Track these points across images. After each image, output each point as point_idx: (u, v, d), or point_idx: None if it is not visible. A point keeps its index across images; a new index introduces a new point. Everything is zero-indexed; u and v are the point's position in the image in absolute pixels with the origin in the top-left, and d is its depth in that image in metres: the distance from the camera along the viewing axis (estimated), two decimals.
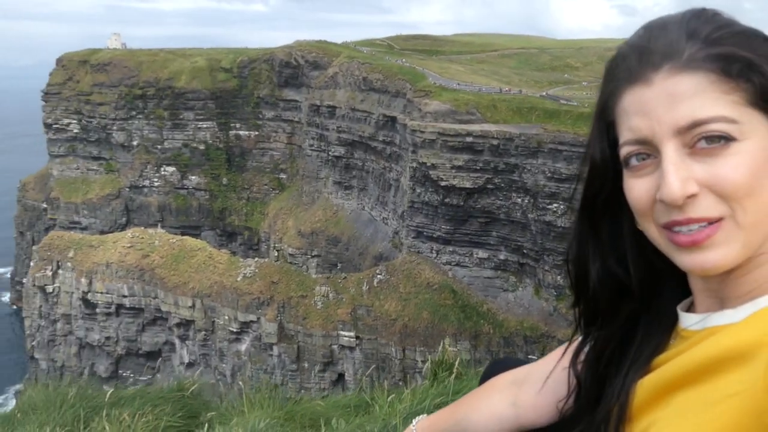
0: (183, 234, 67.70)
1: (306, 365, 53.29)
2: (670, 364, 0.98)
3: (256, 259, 63.20)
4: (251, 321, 55.52)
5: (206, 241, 67.42)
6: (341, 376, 52.52)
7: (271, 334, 54.12)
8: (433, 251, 52.73)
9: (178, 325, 59.11)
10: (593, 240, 1.10)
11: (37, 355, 62.99)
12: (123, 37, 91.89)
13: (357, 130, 62.42)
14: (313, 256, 63.96)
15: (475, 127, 51.56)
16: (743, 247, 0.90)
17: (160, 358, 60.21)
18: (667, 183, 0.88)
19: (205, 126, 75.33)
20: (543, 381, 1.33)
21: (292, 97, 73.40)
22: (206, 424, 4.52)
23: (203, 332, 57.84)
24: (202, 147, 75.18)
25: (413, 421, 1.63)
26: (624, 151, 0.97)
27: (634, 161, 0.96)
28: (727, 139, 0.87)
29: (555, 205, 48.10)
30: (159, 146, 75.37)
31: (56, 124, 78.39)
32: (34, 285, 63.79)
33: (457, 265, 52.02)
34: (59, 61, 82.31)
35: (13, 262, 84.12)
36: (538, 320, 48.59)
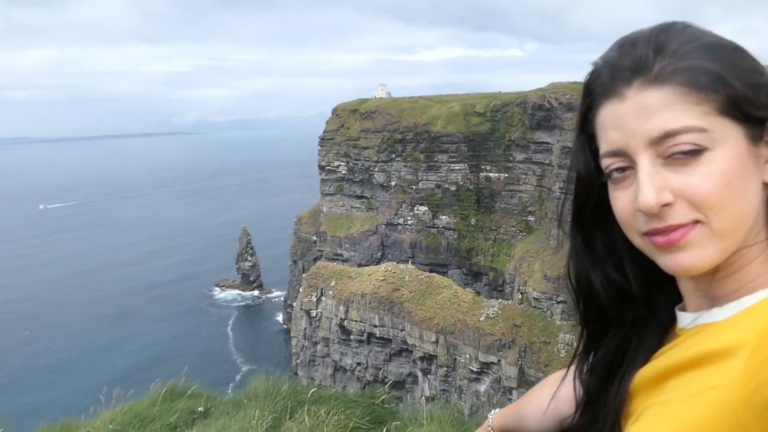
0: (431, 271, 70.51)
1: None
2: (661, 358, 1.04)
3: (500, 300, 63.10)
4: (491, 362, 55.32)
5: (452, 279, 69.29)
6: None
7: (511, 378, 53.26)
8: None
9: (422, 358, 61.25)
10: (589, 252, 1.14)
11: (299, 372, 70.10)
12: (388, 86, 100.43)
13: None
14: (558, 302, 61.80)
15: None
16: (719, 250, 0.93)
17: (404, 389, 62.84)
18: (642, 193, 0.92)
19: (457, 168, 78.32)
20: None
21: (544, 139, 72.80)
22: (385, 429, 4.74)
23: (445, 368, 59.11)
24: (453, 188, 78.16)
25: (491, 412, 1.70)
26: (604, 163, 1.02)
27: (615, 174, 1.00)
28: (698, 149, 0.90)
29: None
30: (414, 187, 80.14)
31: (328, 166, 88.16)
32: (301, 309, 71.54)
33: None
34: (334, 110, 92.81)
35: (287, 287, 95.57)
36: None
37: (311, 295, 70.02)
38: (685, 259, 0.93)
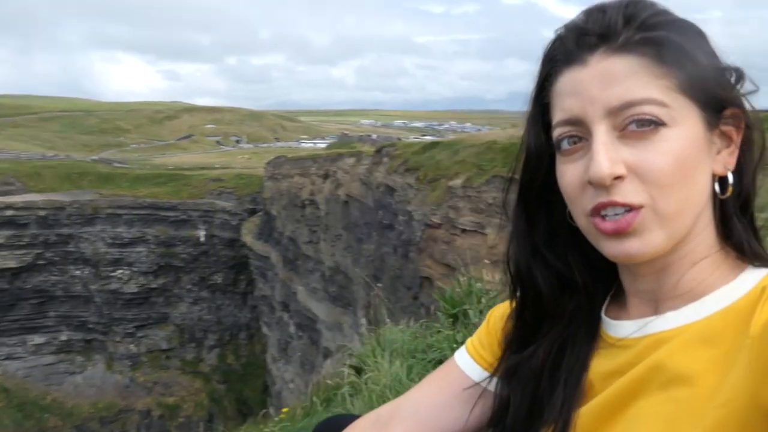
0: None
1: None
2: (618, 383, 0.91)
3: None
4: None
5: None
6: None
7: None
8: None
9: None
10: (531, 234, 1.06)
11: None
12: None
13: None
14: None
15: (16, 199, 45.63)
16: (666, 236, 0.89)
17: None
18: (595, 162, 0.88)
19: None
20: (419, 412, 1.14)
21: None
22: None
23: None
24: None
25: None
26: (556, 132, 0.95)
27: (565, 144, 0.94)
28: (657, 123, 0.87)
29: (120, 271, 45.56)
30: None
31: None
32: None
33: (7, 358, 44.19)
34: None
35: None
36: (114, 396, 44.93)
37: None
38: (632, 246, 0.89)
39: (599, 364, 0.97)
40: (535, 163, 1.03)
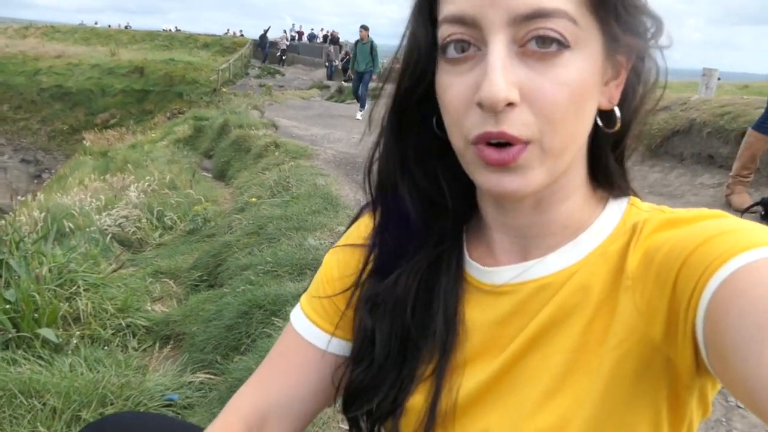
0: None
1: None
2: (516, 342, 0.76)
3: None
4: None
5: None
6: None
7: None
8: None
9: None
10: (400, 149, 0.83)
11: None
12: None
13: None
14: None
15: None
16: (547, 174, 0.71)
17: None
18: (491, 81, 0.65)
19: None
20: (292, 409, 0.92)
21: None
22: None
23: None
24: None
25: None
26: (443, 31, 0.70)
27: (452, 51, 0.70)
28: (561, 45, 0.65)
29: None
30: None
31: None
32: None
33: None
34: None
35: None
36: None
37: None
38: (512, 182, 0.70)
39: (472, 311, 0.81)
40: (417, 66, 0.76)
